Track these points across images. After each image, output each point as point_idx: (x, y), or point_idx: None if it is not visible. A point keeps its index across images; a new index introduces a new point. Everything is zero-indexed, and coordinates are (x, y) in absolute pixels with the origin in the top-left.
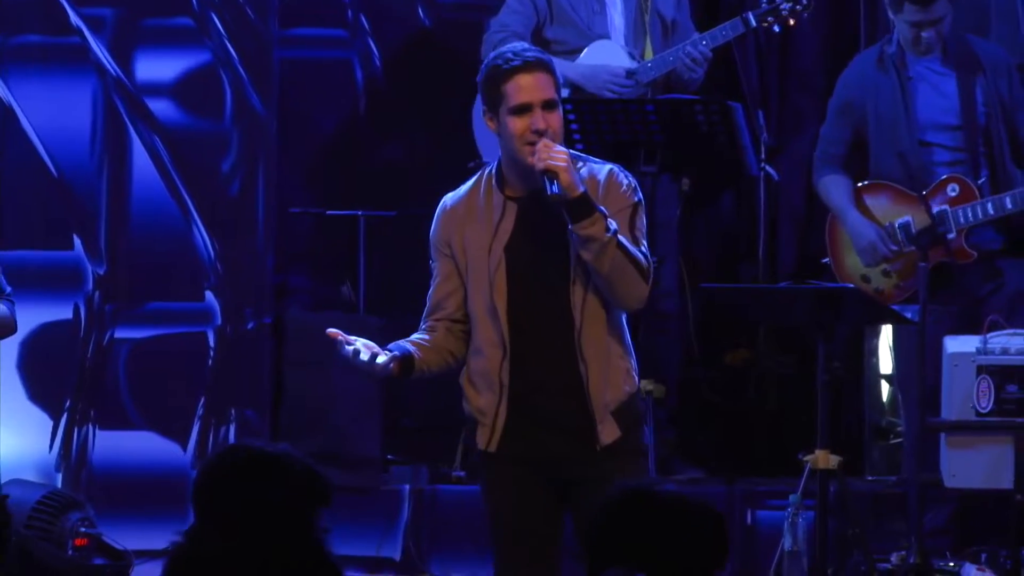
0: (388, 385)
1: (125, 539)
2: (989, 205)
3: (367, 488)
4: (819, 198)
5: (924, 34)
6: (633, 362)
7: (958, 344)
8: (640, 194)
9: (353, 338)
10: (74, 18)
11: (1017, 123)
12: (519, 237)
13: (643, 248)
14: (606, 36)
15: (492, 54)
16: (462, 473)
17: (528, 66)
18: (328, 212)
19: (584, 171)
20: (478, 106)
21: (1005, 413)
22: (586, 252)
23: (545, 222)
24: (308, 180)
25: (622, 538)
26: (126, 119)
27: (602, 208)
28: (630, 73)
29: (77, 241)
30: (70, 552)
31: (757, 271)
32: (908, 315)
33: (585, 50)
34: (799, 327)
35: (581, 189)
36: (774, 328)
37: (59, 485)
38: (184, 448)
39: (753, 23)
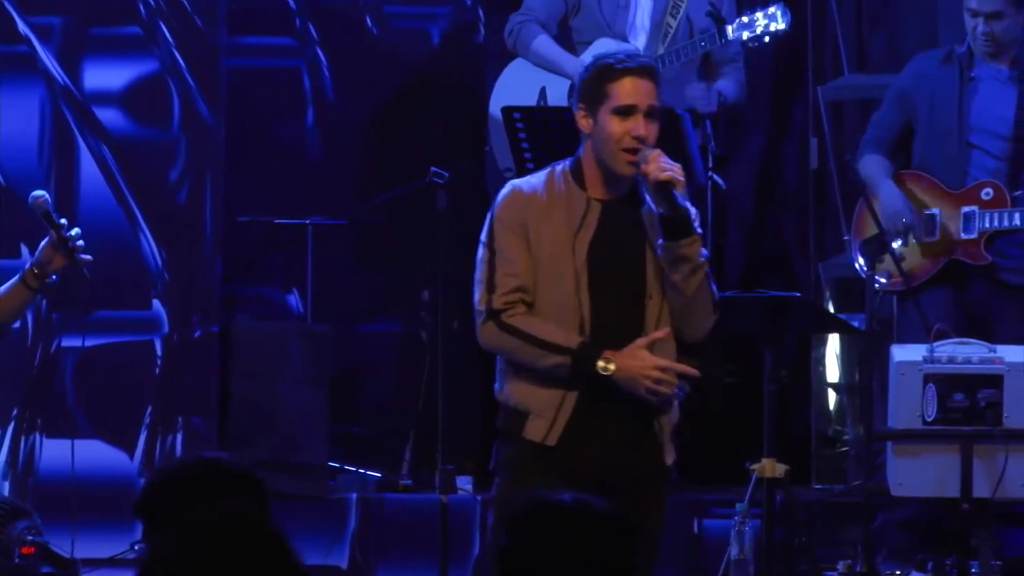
0: (335, 393)
1: (72, 547)
2: (1017, 215)
3: (314, 496)
4: (857, 177)
5: (980, 28)
6: None
7: (905, 353)
8: (699, 227)
9: None
10: (22, 26)
11: None
12: (601, 240)
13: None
14: (624, 32)
15: (602, 53)
16: (409, 481)
17: (641, 70)
18: (276, 221)
19: None
20: (495, 97)
21: (951, 422)
22: (675, 272)
23: (627, 230)
24: (256, 189)
25: (531, 554)
26: (74, 128)
27: (699, 230)
28: None
29: (24, 250)
30: (16, 560)
31: None
32: (855, 324)
33: (591, 46)
34: (746, 335)
35: (687, 207)
36: (720, 336)
37: (6, 493)
38: (131, 456)
39: (730, 36)
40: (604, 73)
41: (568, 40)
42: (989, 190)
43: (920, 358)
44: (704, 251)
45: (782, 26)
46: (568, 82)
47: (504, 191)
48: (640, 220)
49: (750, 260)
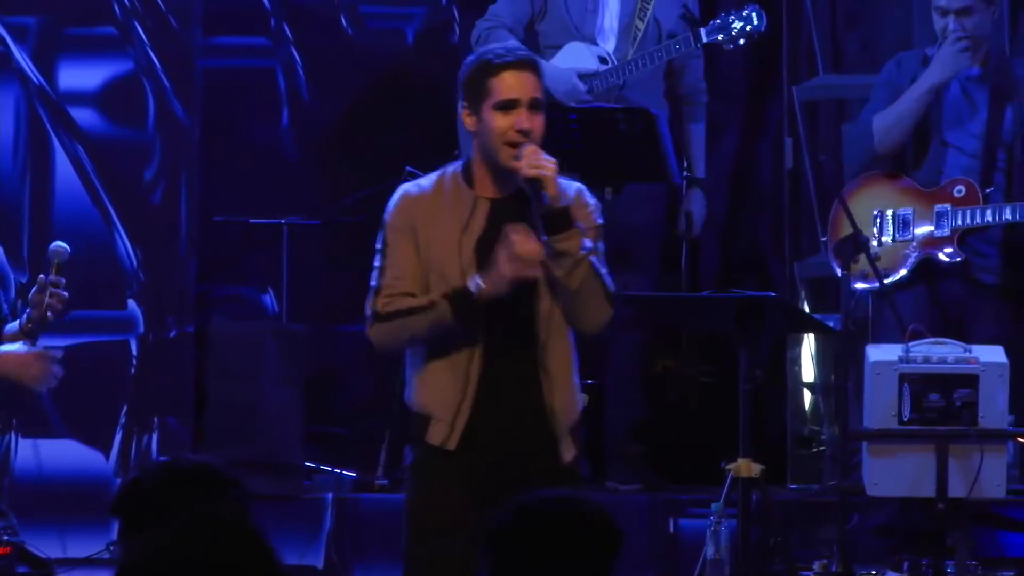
0: (311, 393)
1: (48, 547)
2: (988, 212)
3: (290, 496)
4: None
5: (951, 26)
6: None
7: (880, 353)
8: (602, 218)
9: None
10: None
11: None
12: (489, 238)
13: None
14: (593, 36)
15: (481, 50)
16: (385, 481)
17: (519, 63)
18: (252, 221)
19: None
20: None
21: (927, 422)
22: (557, 267)
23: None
24: (231, 189)
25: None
26: (49, 128)
27: (580, 224)
28: (586, 77)
29: (1, 251)
30: None
31: (679, 279)
32: (830, 324)
33: (560, 51)
34: (721, 335)
35: (565, 202)
36: (695, 336)
37: None
38: (107, 456)
39: (704, 39)
40: (484, 69)
41: (534, 45)
42: (962, 187)
43: (895, 358)
44: (587, 243)
45: (758, 28)
46: None
47: (394, 196)
48: (530, 216)
49: (725, 260)
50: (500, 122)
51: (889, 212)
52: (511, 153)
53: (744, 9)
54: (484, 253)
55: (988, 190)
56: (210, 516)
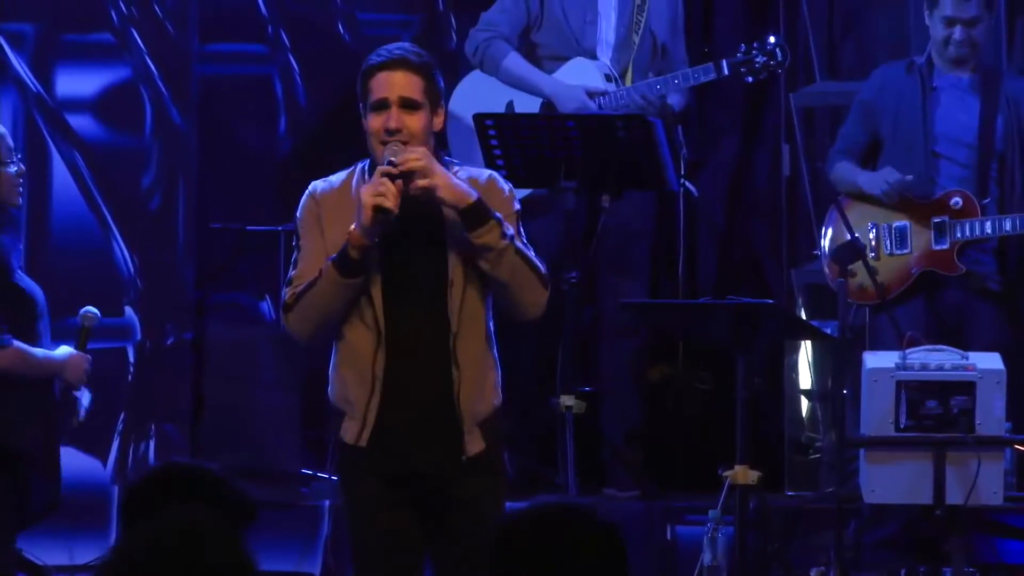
0: (308, 400)
1: (45, 554)
2: (988, 224)
3: (287, 503)
4: (829, 184)
5: (956, 35)
6: (499, 376)
7: (877, 360)
8: (519, 203)
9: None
10: None
11: None
12: (393, 233)
13: (532, 251)
14: (594, 48)
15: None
16: None
17: (391, 63)
18: (249, 228)
19: (462, 174)
20: (453, 104)
21: (924, 429)
22: (483, 261)
23: (419, 222)
24: (229, 195)
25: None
26: (46, 135)
27: (497, 214)
28: (595, 95)
29: None
30: None
31: (677, 287)
32: (827, 330)
33: (563, 66)
34: (719, 342)
35: (473, 196)
36: (692, 343)
37: None
38: (104, 463)
39: (726, 71)
40: (364, 73)
41: (532, 55)
42: (958, 199)
43: (892, 365)
44: (508, 230)
45: (782, 63)
46: (535, 99)
47: (305, 192)
48: (438, 210)
49: (722, 267)
50: (374, 122)
51: (884, 225)
52: (382, 152)
53: (768, 44)
54: (388, 248)
55: (985, 200)
56: (184, 522)
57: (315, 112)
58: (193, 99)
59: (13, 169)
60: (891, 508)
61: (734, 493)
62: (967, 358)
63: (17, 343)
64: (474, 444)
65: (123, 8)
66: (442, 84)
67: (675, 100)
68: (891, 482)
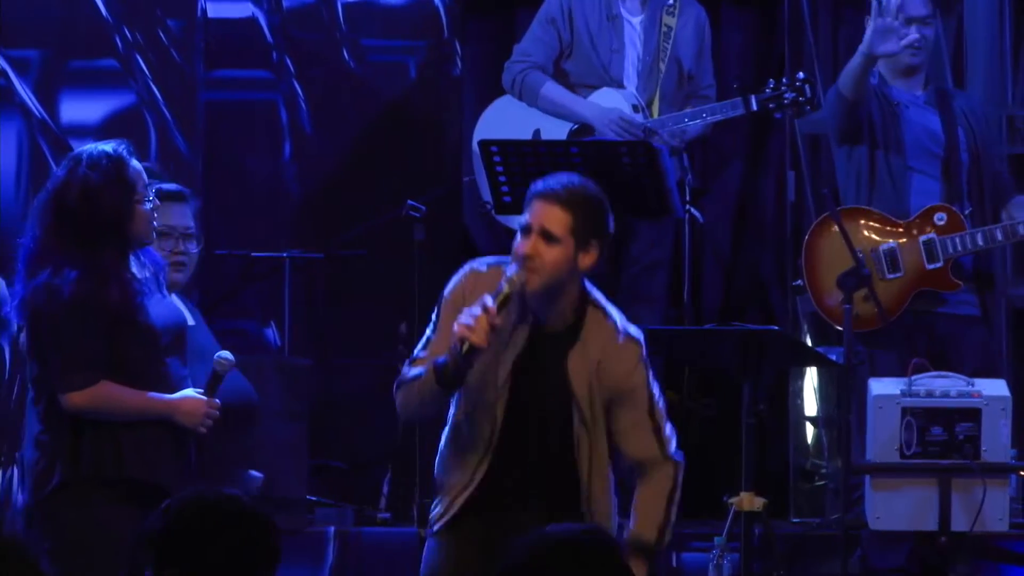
0: (313, 427)
1: None
2: (979, 236)
3: (292, 530)
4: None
5: (913, 36)
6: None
7: (883, 386)
8: (644, 343)
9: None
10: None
11: (996, 168)
12: (528, 359)
13: (661, 412)
14: (621, 77)
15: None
16: (387, 515)
17: (546, 194)
18: (253, 254)
19: (606, 322)
20: (480, 130)
21: (929, 455)
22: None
23: (554, 366)
24: (233, 222)
25: None
26: (51, 160)
27: (645, 541)
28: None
29: (2, 283)
30: None
31: (682, 313)
32: (832, 357)
33: (590, 96)
34: (724, 368)
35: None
36: (697, 369)
37: None
38: None
39: (755, 107)
40: (527, 199)
41: (564, 83)
42: (942, 215)
43: (898, 391)
44: (659, 532)
45: (809, 100)
46: (563, 124)
47: (462, 269)
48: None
49: (727, 293)
50: (516, 244)
51: (872, 250)
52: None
53: (797, 80)
54: (520, 373)
55: (967, 211)
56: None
57: (320, 138)
58: (198, 125)
59: (149, 206)
60: (896, 535)
61: (739, 520)
62: (972, 385)
63: (112, 386)
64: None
65: (128, 34)
66: (596, 223)
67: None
68: (896, 509)
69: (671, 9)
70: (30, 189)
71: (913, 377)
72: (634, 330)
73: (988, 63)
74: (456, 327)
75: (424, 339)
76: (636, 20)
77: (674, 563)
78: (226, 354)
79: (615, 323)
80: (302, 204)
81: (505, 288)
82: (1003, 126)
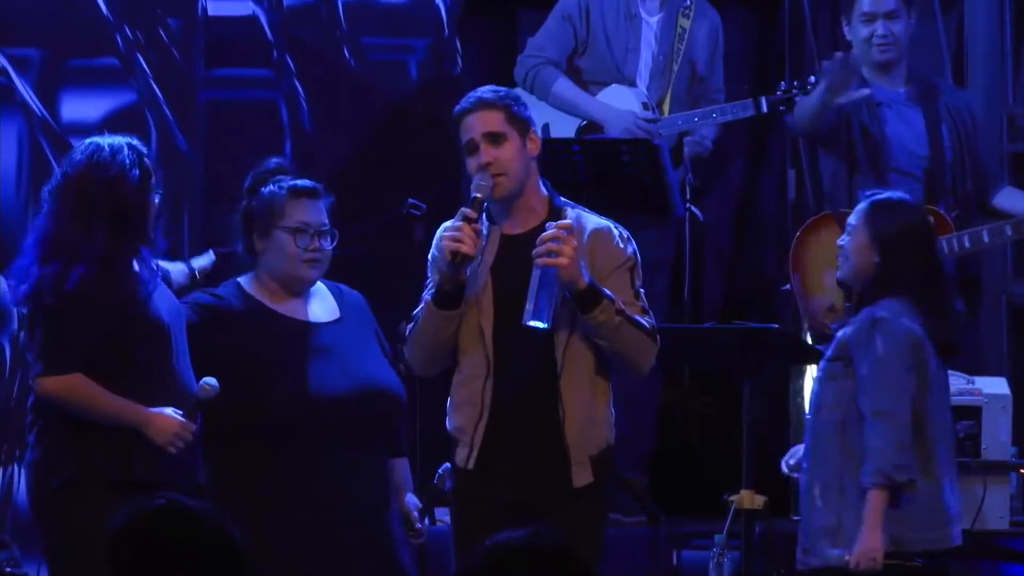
0: None
1: None
2: (966, 237)
3: None
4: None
5: (879, 30)
6: (612, 413)
7: None
8: (634, 245)
9: None
10: (0, 58)
11: (980, 164)
12: (503, 267)
13: (643, 303)
14: (634, 76)
15: None
16: None
17: (470, 107)
18: None
19: (571, 217)
20: None
21: None
22: (599, 337)
23: (526, 261)
24: (234, 221)
25: None
26: (52, 159)
27: (608, 293)
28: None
29: (2, 281)
30: None
31: (682, 311)
32: None
33: (601, 92)
34: (725, 367)
35: (587, 280)
36: (698, 368)
37: None
38: None
39: (765, 108)
40: (453, 124)
41: (577, 79)
42: (930, 218)
43: None
44: (618, 302)
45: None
46: (573, 120)
47: (438, 232)
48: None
49: (728, 292)
50: (470, 165)
51: None
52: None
53: (808, 83)
54: (499, 280)
55: (953, 213)
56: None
57: (320, 137)
58: (198, 124)
59: (158, 199)
60: None
61: (740, 518)
62: (973, 383)
63: (88, 382)
64: (582, 476)
65: (128, 33)
66: (526, 112)
67: (708, 132)
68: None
69: (687, 11)
70: (31, 188)
71: None
72: (609, 221)
73: (988, 62)
74: (443, 242)
75: (422, 303)
76: (654, 20)
77: (674, 561)
78: (212, 380)
79: (587, 217)
80: None
81: (478, 195)
82: (1003, 124)
